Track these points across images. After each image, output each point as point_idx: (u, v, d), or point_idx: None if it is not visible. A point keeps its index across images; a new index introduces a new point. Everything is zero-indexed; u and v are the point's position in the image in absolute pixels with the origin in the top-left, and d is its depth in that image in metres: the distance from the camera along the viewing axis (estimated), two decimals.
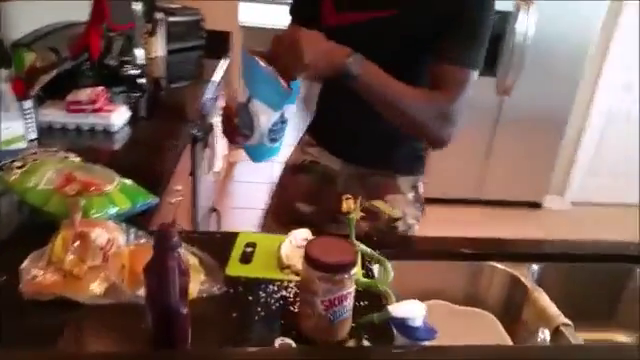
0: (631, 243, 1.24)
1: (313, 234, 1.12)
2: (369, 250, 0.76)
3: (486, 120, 3.43)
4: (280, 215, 1.45)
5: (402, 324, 0.67)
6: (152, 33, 2.79)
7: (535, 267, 1.15)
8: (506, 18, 3.19)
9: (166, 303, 0.66)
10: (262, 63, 0.99)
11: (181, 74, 2.70)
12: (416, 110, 1.09)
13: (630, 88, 3.59)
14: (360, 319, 0.70)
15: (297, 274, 0.99)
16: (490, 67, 3.27)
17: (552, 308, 1.03)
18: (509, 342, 1.05)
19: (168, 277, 0.65)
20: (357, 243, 0.77)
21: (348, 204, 0.73)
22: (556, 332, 0.99)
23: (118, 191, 1.13)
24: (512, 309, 1.13)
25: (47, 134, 1.61)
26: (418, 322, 0.68)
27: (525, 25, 3.20)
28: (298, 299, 0.92)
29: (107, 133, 1.67)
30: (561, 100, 3.46)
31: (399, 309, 0.68)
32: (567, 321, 0.99)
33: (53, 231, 0.97)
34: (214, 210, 2.59)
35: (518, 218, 3.56)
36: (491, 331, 1.07)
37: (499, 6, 1.11)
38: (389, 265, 0.71)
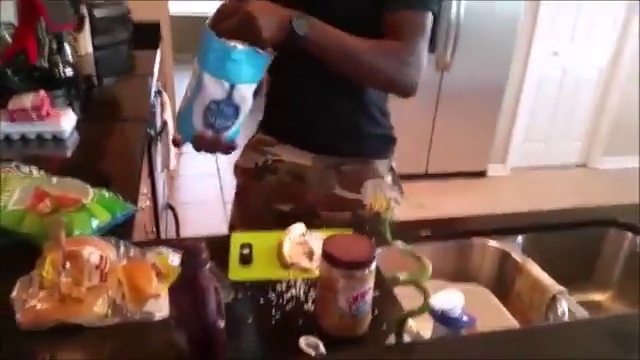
0: (600, 207, 1.31)
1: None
2: (407, 247, 0.75)
3: (428, 96, 3.51)
4: (254, 220, 1.34)
5: (442, 315, 0.68)
6: (79, 29, 2.64)
7: (520, 239, 1.20)
8: None
9: (204, 321, 0.62)
10: (235, 44, 0.89)
11: (111, 70, 2.56)
12: (377, 61, 1.03)
13: (558, 54, 3.79)
14: (401, 314, 0.69)
15: (302, 270, 0.98)
16: (429, 44, 3.34)
17: (546, 278, 1.07)
18: (507, 314, 1.09)
19: (204, 295, 0.61)
20: (394, 242, 0.75)
21: (380, 203, 0.71)
22: (553, 299, 1.03)
23: (96, 203, 1.06)
24: (504, 282, 1.16)
25: None
26: (457, 311, 0.68)
27: (457, 2, 3.29)
28: (310, 296, 0.91)
29: (57, 140, 1.56)
30: (497, 71, 3.59)
31: (439, 301, 0.68)
32: (562, 288, 1.03)
33: (29, 252, 0.90)
34: (169, 207, 2.50)
35: (465, 188, 3.69)
36: (488, 305, 1.10)
37: None
38: (427, 261, 0.70)
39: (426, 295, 0.65)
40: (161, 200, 2.16)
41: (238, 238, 1.08)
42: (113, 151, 1.59)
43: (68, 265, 0.87)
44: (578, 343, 0.74)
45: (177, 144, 1.03)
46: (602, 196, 3.56)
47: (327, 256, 0.78)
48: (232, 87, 0.92)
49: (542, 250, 1.22)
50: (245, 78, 0.93)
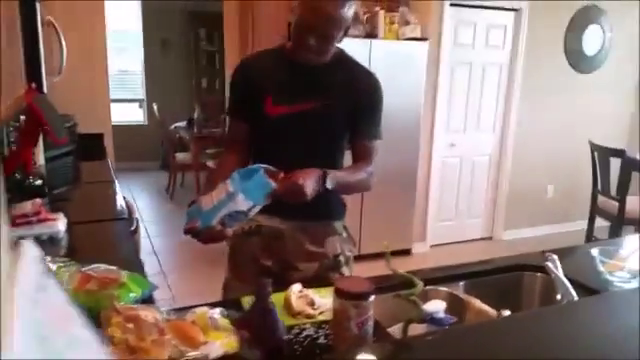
0: (512, 257, 1.71)
1: (277, 284, 1.35)
2: (402, 272, 1.06)
3: None
4: (245, 274, 1.66)
5: (431, 317, 0.98)
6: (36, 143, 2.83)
7: (461, 284, 1.54)
8: None
9: (276, 334, 0.88)
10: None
11: (59, 179, 2.75)
12: (363, 182, 1.65)
13: (454, 145, 4.44)
14: (405, 320, 0.99)
15: (308, 316, 1.25)
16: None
17: (488, 308, 1.40)
18: None
19: (274, 315, 0.88)
20: (394, 269, 1.06)
21: (384, 245, 1.02)
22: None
23: (130, 281, 1.28)
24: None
25: None
26: (441, 313, 0.99)
27: None
28: (319, 334, 1.18)
29: (52, 240, 1.74)
30: (408, 161, 4.13)
31: (429, 307, 0.99)
32: (505, 312, 1.36)
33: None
34: None
35: (394, 264, 4.05)
36: None
37: None
38: (418, 280, 1.01)
39: (419, 304, 0.96)
40: None
41: (247, 299, 1.33)
42: (103, 245, 1.79)
43: (130, 325, 1.08)
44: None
45: (190, 232, 1.35)
46: None
47: (340, 292, 1.07)
48: (254, 206, 1.32)
49: (479, 292, 1.56)
50: (264, 201, 1.33)
